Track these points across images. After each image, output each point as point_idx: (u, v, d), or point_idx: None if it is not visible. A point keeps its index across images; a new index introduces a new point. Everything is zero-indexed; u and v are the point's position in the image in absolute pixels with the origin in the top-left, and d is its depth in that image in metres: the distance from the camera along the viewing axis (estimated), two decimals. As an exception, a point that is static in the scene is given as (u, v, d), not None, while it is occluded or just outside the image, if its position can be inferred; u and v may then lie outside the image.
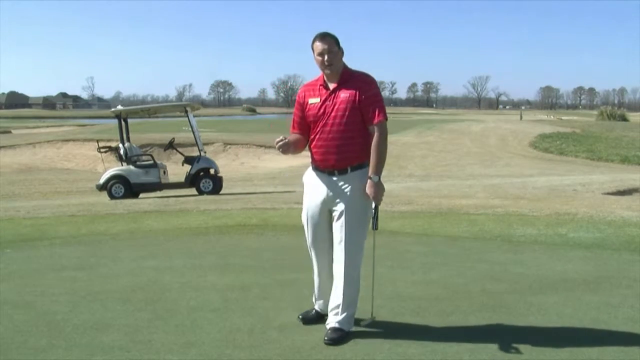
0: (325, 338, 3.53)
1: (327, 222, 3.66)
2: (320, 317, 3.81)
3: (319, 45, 3.54)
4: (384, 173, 3.62)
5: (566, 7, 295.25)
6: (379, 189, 3.50)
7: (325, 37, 3.55)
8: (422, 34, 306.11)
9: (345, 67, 3.61)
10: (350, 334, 3.58)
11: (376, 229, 3.56)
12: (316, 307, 3.90)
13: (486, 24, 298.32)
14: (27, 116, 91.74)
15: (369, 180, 3.51)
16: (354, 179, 3.55)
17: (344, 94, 3.54)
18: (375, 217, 3.55)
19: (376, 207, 3.55)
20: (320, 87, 3.62)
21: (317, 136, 3.60)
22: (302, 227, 3.83)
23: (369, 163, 3.56)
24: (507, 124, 44.08)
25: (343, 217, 3.55)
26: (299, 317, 3.89)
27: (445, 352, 3.36)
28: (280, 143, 3.55)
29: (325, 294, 3.78)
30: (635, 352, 3.35)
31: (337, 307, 3.60)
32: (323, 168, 3.62)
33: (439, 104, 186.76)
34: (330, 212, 3.63)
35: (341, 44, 3.61)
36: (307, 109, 3.64)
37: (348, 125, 3.51)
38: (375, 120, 3.51)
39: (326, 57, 3.52)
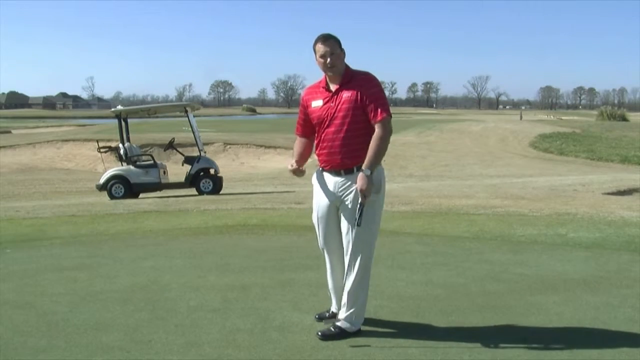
0: (319, 332, 3.57)
1: (336, 222, 3.66)
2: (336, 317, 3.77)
3: (321, 48, 3.54)
4: (385, 172, 3.64)
5: (566, 6, 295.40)
6: (368, 183, 3.43)
7: (327, 39, 3.56)
8: (422, 34, 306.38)
9: (347, 67, 3.62)
10: (350, 333, 3.58)
11: (359, 225, 3.49)
12: (332, 308, 3.88)
13: (486, 24, 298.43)
14: (27, 116, 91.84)
15: (360, 173, 3.46)
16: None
17: (346, 95, 3.54)
18: (360, 214, 3.47)
19: (361, 204, 3.47)
20: (323, 89, 3.64)
21: (322, 137, 3.62)
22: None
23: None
24: (507, 124, 44.08)
25: (350, 216, 3.54)
26: (315, 317, 3.89)
27: (445, 352, 3.36)
28: (292, 172, 3.72)
29: (339, 294, 3.77)
30: (635, 352, 3.35)
31: (343, 305, 3.63)
32: (329, 168, 3.63)
33: (439, 104, 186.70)
34: (339, 211, 3.63)
35: (343, 45, 3.61)
36: (310, 112, 3.68)
37: (351, 125, 3.52)
38: (378, 118, 3.49)
39: (328, 60, 3.53)
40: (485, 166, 24.52)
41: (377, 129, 3.49)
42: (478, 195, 11.77)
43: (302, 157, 3.79)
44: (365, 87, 3.52)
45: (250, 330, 3.73)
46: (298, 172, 3.72)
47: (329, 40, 3.55)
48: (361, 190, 3.43)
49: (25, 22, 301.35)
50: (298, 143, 3.83)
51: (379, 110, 3.48)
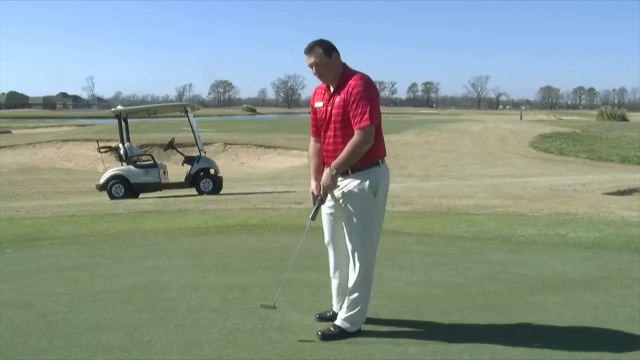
0: (319, 332, 3.58)
1: (340, 221, 3.66)
2: (335, 319, 3.75)
3: (306, 59, 3.55)
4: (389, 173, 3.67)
5: (566, 7, 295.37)
6: (332, 182, 3.48)
7: (311, 49, 3.53)
8: (422, 34, 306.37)
9: (345, 69, 3.58)
10: (350, 333, 3.58)
11: (313, 219, 3.63)
12: (334, 308, 3.88)
13: (486, 24, 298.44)
14: (27, 116, 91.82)
15: (325, 170, 3.50)
16: (356, 179, 3.53)
17: (338, 99, 3.52)
18: (316, 209, 3.61)
19: (319, 200, 3.58)
20: (326, 91, 3.64)
21: (322, 140, 3.65)
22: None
23: (375, 162, 3.56)
24: (507, 124, 44.09)
25: (347, 219, 3.56)
26: (315, 317, 3.89)
27: (445, 352, 3.36)
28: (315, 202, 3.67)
29: (341, 294, 3.78)
30: (635, 352, 3.35)
31: (344, 305, 3.65)
32: None
33: (439, 104, 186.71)
34: (340, 212, 3.64)
35: (340, 46, 3.59)
36: (315, 113, 3.69)
37: (342, 130, 3.50)
38: (356, 126, 3.43)
39: (314, 70, 3.54)
40: (485, 166, 24.53)
41: (355, 135, 3.44)
42: (478, 195, 11.77)
43: (318, 166, 3.72)
44: (351, 92, 3.45)
45: (250, 330, 3.73)
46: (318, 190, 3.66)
47: (313, 50, 3.52)
48: (322, 185, 3.50)
49: (25, 22, 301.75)
50: (312, 149, 3.76)
51: (360, 117, 3.42)
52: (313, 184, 3.67)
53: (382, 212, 3.64)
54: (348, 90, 3.47)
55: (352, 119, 3.45)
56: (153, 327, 3.80)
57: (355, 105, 3.43)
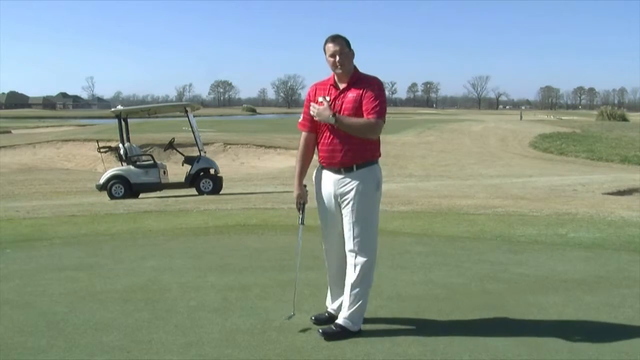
0: (320, 330, 3.59)
1: (339, 219, 3.68)
2: (332, 319, 3.76)
3: (330, 47, 3.61)
4: (383, 172, 3.74)
5: (566, 7, 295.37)
6: (325, 111, 3.55)
7: (336, 38, 3.64)
8: (422, 34, 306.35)
9: (355, 69, 3.68)
10: (351, 332, 3.58)
11: (303, 224, 3.75)
12: (329, 309, 3.89)
13: (486, 24, 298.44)
14: (27, 116, 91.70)
15: (330, 109, 3.54)
16: (360, 176, 3.59)
17: (351, 95, 3.60)
18: (303, 213, 3.75)
19: (303, 204, 3.73)
20: (331, 87, 3.70)
21: (325, 134, 3.66)
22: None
23: (375, 161, 3.65)
24: (507, 124, 44.09)
25: (350, 215, 3.58)
26: (311, 319, 3.88)
27: (445, 352, 3.36)
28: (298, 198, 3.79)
29: (338, 294, 3.79)
30: (636, 352, 3.35)
31: (345, 304, 3.65)
32: (329, 166, 3.67)
33: (439, 104, 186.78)
34: (341, 209, 3.65)
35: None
36: None
37: None
38: (372, 116, 3.52)
39: (337, 58, 3.59)
40: (485, 166, 24.52)
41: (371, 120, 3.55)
42: (478, 195, 11.77)
43: (304, 168, 3.80)
44: (367, 90, 3.57)
45: (250, 330, 3.73)
46: (303, 196, 3.78)
47: (338, 40, 3.63)
48: (316, 110, 3.57)
49: (25, 22, 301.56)
50: (302, 144, 3.80)
51: (376, 109, 3.53)
52: (297, 189, 3.76)
53: (379, 209, 3.70)
54: (365, 88, 3.58)
55: (368, 110, 3.53)
56: (153, 327, 3.80)
57: (373, 98, 3.55)
